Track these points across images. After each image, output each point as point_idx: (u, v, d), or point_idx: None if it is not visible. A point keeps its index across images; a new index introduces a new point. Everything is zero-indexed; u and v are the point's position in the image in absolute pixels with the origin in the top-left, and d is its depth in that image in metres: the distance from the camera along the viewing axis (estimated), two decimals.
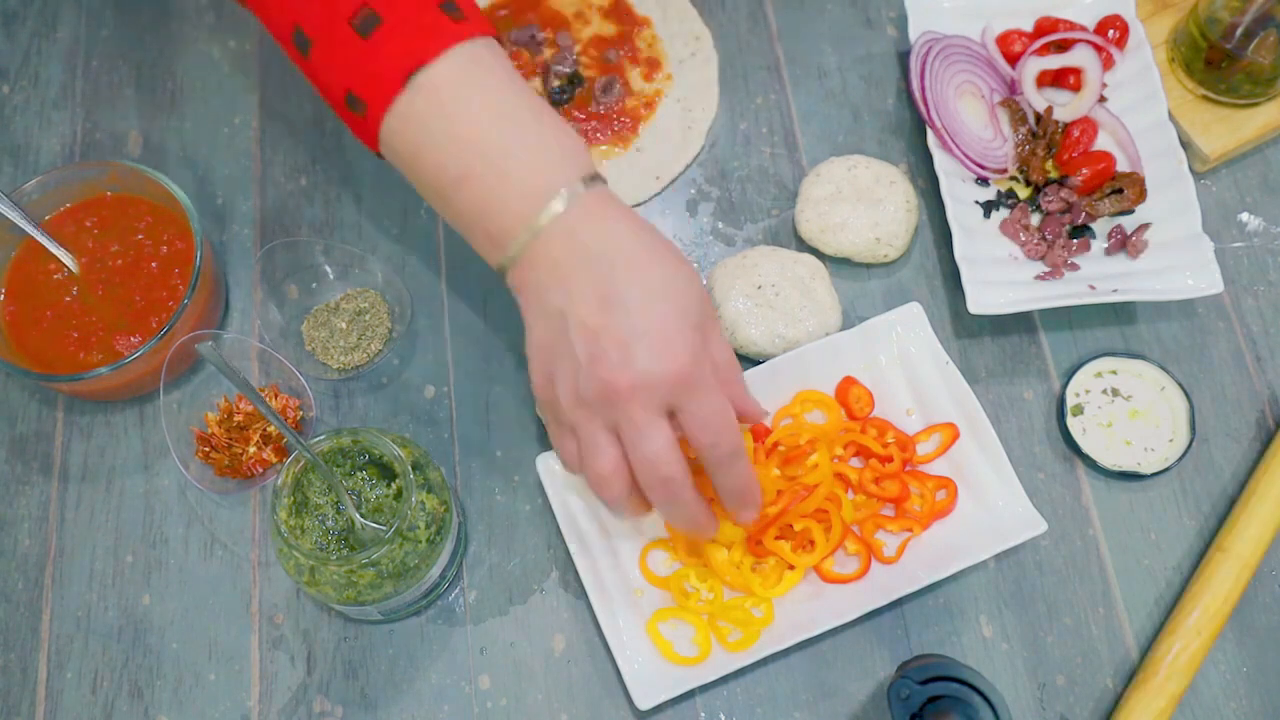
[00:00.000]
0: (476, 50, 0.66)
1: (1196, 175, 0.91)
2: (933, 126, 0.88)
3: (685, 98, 0.95)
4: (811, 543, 0.77)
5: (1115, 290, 0.83)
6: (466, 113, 0.66)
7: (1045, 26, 0.93)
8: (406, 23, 0.65)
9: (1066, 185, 0.88)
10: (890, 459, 0.79)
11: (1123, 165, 0.89)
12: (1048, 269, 0.86)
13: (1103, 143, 0.90)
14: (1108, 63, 0.92)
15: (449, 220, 0.70)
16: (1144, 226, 0.86)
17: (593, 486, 0.66)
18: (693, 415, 0.64)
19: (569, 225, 0.64)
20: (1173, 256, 0.85)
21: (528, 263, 0.65)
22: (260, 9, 0.70)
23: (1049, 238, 0.87)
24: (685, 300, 0.64)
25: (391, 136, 0.67)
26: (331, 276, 0.88)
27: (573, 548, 0.77)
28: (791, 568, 0.77)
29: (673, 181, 0.93)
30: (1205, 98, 0.93)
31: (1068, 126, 0.90)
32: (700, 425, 0.64)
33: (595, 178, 0.66)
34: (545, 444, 0.83)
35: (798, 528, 0.77)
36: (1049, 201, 0.88)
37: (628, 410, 0.63)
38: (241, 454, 0.81)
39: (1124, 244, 0.86)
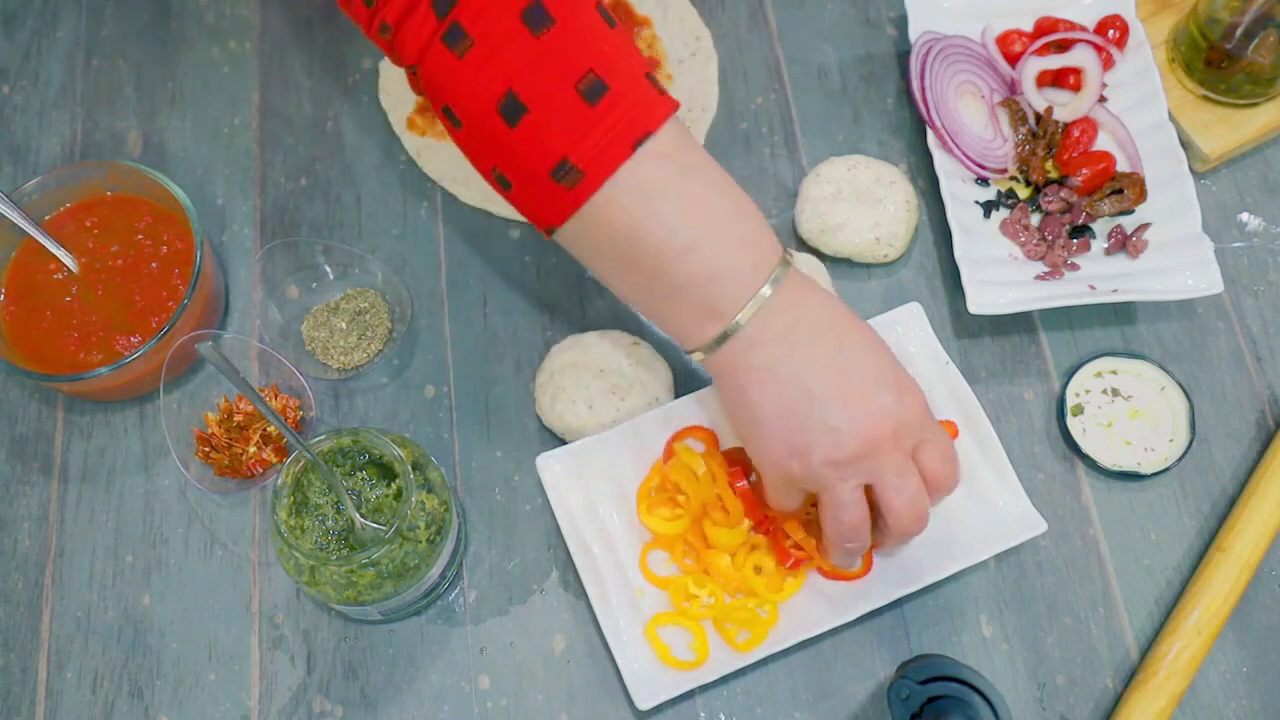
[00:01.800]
0: (679, 121, 0.67)
1: (1196, 175, 0.91)
2: (933, 126, 0.88)
3: (685, 98, 0.95)
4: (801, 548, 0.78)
5: (1115, 290, 0.83)
6: (697, 179, 0.66)
7: (1045, 26, 0.93)
8: (630, 91, 0.64)
9: (1066, 185, 0.88)
10: None
11: (1123, 165, 0.89)
12: (1048, 269, 0.86)
13: (1103, 143, 0.90)
14: (1108, 63, 0.92)
15: (647, 298, 0.69)
16: (1144, 226, 0.86)
17: (839, 538, 0.69)
18: (934, 446, 0.68)
19: (790, 296, 0.66)
20: (1173, 256, 0.85)
21: (751, 337, 0.66)
22: (467, 72, 0.65)
23: (1049, 238, 0.87)
24: (890, 351, 0.69)
25: (604, 206, 0.65)
26: (331, 276, 0.88)
27: (573, 548, 0.77)
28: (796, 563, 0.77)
29: None
30: (1205, 98, 0.93)
31: (1068, 126, 0.90)
32: (942, 456, 0.68)
33: (786, 249, 0.69)
34: (545, 444, 0.83)
35: (796, 538, 0.77)
36: (1049, 201, 0.88)
37: (891, 457, 0.66)
38: (241, 454, 0.81)
39: (1124, 244, 0.86)
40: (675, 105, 0.66)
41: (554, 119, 0.64)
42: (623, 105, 0.64)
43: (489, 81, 0.64)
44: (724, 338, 0.66)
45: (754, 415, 0.67)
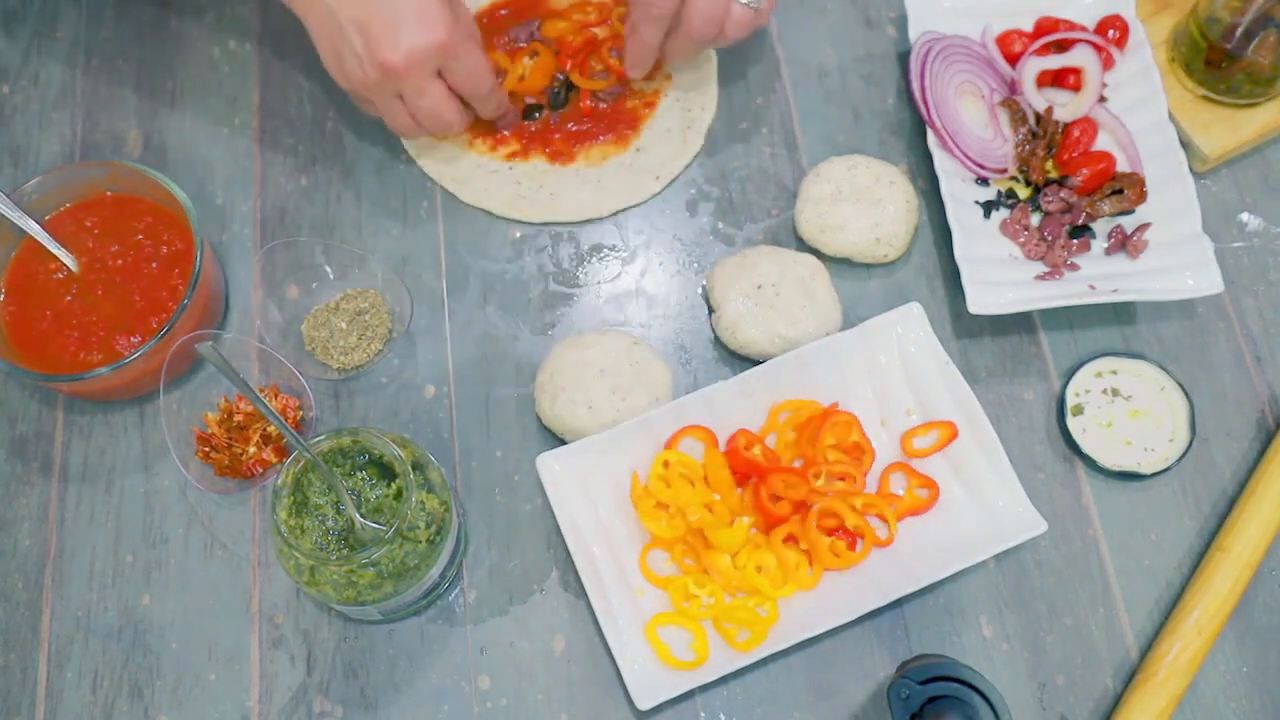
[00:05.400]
0: None
1: (1196, 175, 0.91)
2: (933, 126, 0.88)
3: (685, 98, 0.95)
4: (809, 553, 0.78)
5: (1115, 290, 0.83)
6: None
7: (1045, 26, 0.93)
8: None
9: (1066, 185, 0.88)
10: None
11: (1123, 165, 0.89)
12: (1048, 269, 0.86)
13: (1103, 143, 0.90)
14: (1108, 63, 0.92)
15: None
16: (1144, 226, 0.86)
17: (394, 131, 0.86)
18: (456, 72, 0.82)
19: None
20: (1173, 256, 0.85)
21: None
22: None
23: (1049, 238, 0.87)
24: None
25: None
26: (331, 276, 0.88)
27: (573, 548, 0.77)
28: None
29: (673, 181, 0.93)
30: (1205, 98, 0.93)
31: (1068, 126, 0.90)
32: (463, 79, 0.83)
33: None
34: (545, 444, 0.83)
35: (802, 545, 0.78)
36: (1049, 201, 0.88)
37: (405, 81, 0.80)
38: (241, 454, 0.81)
39: (1124, 244, 0.86)
40: None
41: None
42: None
43: None
44: None
45: (313, 39, 0.80)
